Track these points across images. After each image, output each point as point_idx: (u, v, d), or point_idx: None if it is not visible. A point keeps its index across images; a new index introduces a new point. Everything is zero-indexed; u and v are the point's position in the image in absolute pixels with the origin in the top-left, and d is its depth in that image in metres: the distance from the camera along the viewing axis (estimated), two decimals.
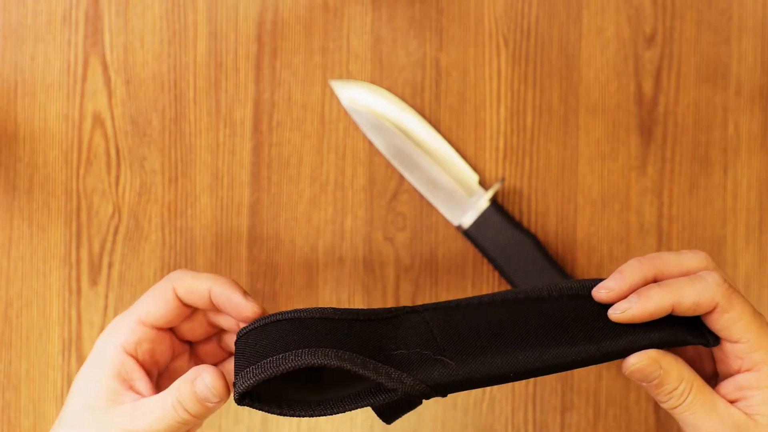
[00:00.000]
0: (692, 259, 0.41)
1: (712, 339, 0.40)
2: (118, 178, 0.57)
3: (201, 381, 0.39)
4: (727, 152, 0.59)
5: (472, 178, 0.57)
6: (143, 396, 0.40)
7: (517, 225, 0.56)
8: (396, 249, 0.58)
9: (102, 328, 0.57)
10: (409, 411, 0.39)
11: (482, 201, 0.56)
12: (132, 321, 0.41)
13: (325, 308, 0.39)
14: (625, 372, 0.39)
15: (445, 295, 0.58)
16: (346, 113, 0.58)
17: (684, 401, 0.39)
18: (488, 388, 0.57)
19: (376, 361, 0.37)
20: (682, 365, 0.39)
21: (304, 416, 0.38)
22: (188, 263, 0.57)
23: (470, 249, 0.58)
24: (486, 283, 0.58)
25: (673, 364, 0.39)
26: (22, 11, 0.57)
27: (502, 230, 0.56)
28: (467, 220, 0.56)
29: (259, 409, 0.37)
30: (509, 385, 0.57)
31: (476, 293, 0.58)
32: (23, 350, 0.57)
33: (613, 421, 0.58)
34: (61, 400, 0.57)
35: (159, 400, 0.39)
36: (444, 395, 0.38)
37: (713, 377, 0.42)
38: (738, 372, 0.39)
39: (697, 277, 0.39)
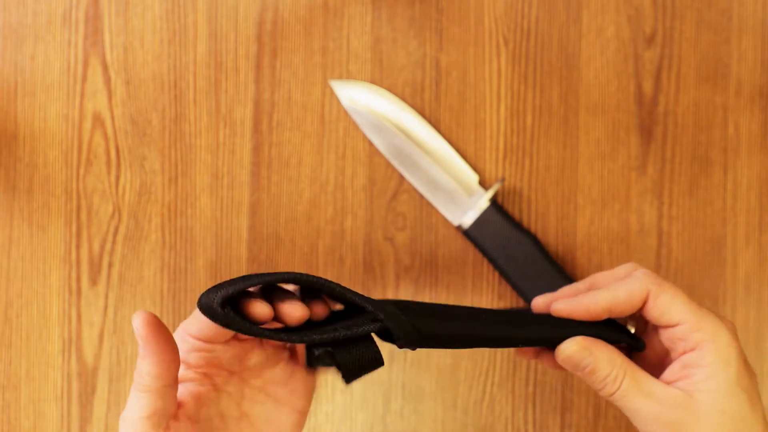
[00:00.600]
0: (623, 269, 0.43)
1: (641, 344, 0.43)
2: (118, 178, 0.57)
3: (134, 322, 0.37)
4: (727, 152, 0.59)
5: (472, 178, 0.57)
6: None
7: (517, 225, 0.56)
8: (396, 249, 0.58)
9: (102, 328, 0.57)
10: (372, 370, 0.38)
11: (482, 201, 0.56)
12: (182, 330, 0.39)
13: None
14: (558, 359, 0.41)
15: (445, 295, 0.58)
16: (346, 113, 0.58)
17: (619, 387, 0.40)
18: (488, 389, 0.57)
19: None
20: (612, 351, 0.40)
21: (271, 338, 0.36)
22: (188, 263, 0.57)
23: (470, 249, 0.58)
24: (486, 283, 0.58)
25: (604, 350, 0.40)
26: (22, 11, 0.57)
27: (502, 230, 0.56)
28: (467, 220, 0.56)
29: (236, 326, 0.35)
30: (509, 385, 0.57)
31: (476, 293, 0.58)
32: (23, 350, 0.57)
33: (612, 421, 0.58)
34: (61, 400, 0.57)
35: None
36: (413, 346, 0.38)
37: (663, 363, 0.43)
38: (683, 354, 0.40)
39: (628, 276, 0.42)
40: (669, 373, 0.41)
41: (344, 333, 0.37)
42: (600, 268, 0.58)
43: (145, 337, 0.36)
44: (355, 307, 0.38)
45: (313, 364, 0.38)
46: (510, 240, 0.56)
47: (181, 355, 0.39)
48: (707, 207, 0.59)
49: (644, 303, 0.41)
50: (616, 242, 0.58)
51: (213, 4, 0.58)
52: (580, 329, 0.41)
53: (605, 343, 0.41)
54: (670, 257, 0.58)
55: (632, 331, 0.44)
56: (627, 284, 0.41)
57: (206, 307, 0.35)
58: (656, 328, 0.42)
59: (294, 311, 0.37)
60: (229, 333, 0.39)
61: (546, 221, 0.58)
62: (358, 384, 0.57)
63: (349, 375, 0.38)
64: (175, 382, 0.37)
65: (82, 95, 0.58)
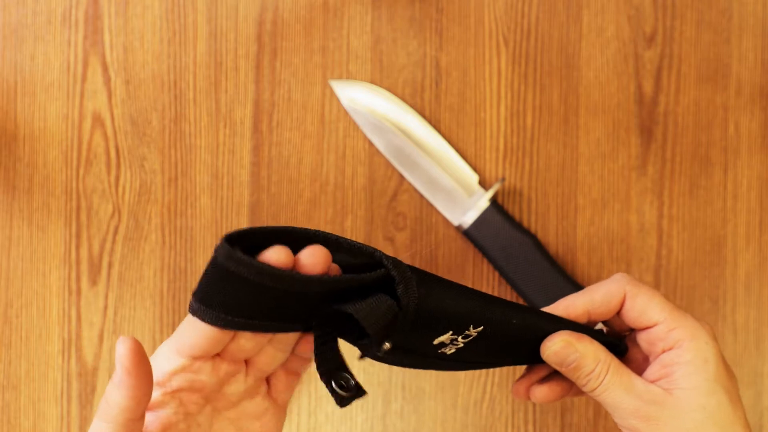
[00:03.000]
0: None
1: (623, 346, 0.43)
2: (117, 178, 0.57)
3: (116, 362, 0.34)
4: (727, 152, 0.59)
5: (472, 178, 0.57)
6: None
7: (517, 225, 0.56)
8: (396, 249, 0.58)
9: (102, 328, 0.57)
10: (389, 320, 0.36)
11: (482, 201, 0.56)
12: (168, 349, 0.37)
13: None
14: (543, 356, 0.41)
15: None
16: (346, 113, 0.58)
17: (602, 382, 0.40)
18: (488, 389, 0.57)
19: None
20: (597, 347, 0.41)
21: (295, 281, 0.33)
22: (188, 263, 0.57)
23: (470, 249, 0.58)
24: (486, 283, 0.58)
25: (589, 346, 0.40)
26: (22, 11, 0.57)
27: (502, 230, 0.56)
28: (467, 220, 0.56)
29: (245, 263, 0.33)
30: (509, 385, 0.57)
31: None
32: (23, 350, 0.57)
33: (613, 421, 0.58)
34: (60, 400, 0.57)
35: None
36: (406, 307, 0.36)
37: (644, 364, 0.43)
38: (662, 353, 0.41)
39: (606, 279, 0.42)
40: (649, 373, 0.41)
41: (353, 277, 0.35)
42: (600, 268, 0.58)
43: (127, 367, 0.33)
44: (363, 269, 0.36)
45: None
46: (510, 240, 0.56)
47: (162, 377, 0.36)
48: (707, 207, 0.58)
49: (621, 305, 0.41)
50: (616, 242, 0.58)
51: (213, 4, 0.58)
52: (567, 327, 0.41)
53: (590, 338, 0.41)
54: (670, 257, 0.58)
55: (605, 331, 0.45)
56: (603, 286, 0.41)
57: (226, 255, 0.32)
58: (633, 334, 0.43)
59: (318, 254, 0.34)
60: (225, 339, 0.36)
61: (546, 221, 0.58)
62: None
63: (371, 326, 0.35)
64: (142, 416, 0.35)
65: (82, 95, 0.58)
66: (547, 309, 0.42)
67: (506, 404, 0.57)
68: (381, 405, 0.57)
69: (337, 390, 0.38)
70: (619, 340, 0.43)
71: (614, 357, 0.41)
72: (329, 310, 0.36)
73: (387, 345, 0.37)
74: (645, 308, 0.40)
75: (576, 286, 0.56)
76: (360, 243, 0.36)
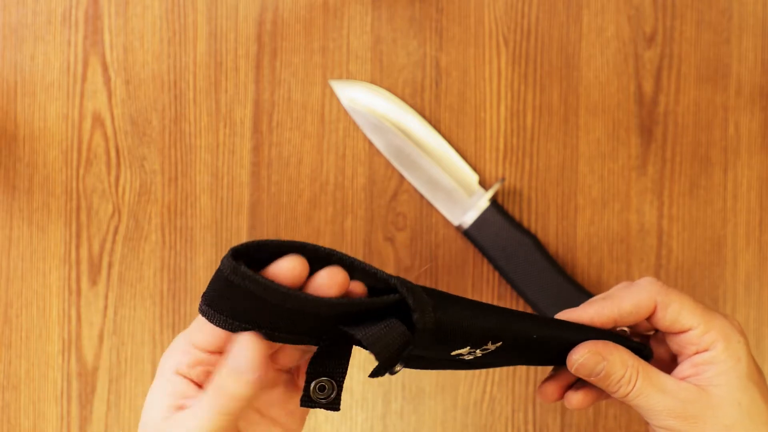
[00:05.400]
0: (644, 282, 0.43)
1: (648, 351, 0.42)
2: (117, 178, 0.57)
3: (235, 352, 0.34)
4: (727, 152, 0.59)
5: (472, 178, 0.57)
6: None
7: (517, 225, 0.56)
8: (396, 249, 0.58)
9: (102, 328, 0.57)
10: (400, 347, 0.35)
11: (482, 201, 0.56)
12: (185, 342, 0.38)
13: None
14: (571, 369, 0.40)
15: None
16: (346, 113, 0.58)
17: (634, 387, 0.40)
18: (488, 389, 0.57)
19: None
20: (623, 352, 0.40)
21: (299, 300, 0.33)
22: (188, 263, 0.57)
23: (470, 249, 0.58)
24: (486, 283, 0.58)
25: (615, 352, 0.40)
26: (22, 11, 0.57)
27: (502, 230, 0.56)
28: (467, 220, 0.56)
29: (250, 278, 0.32)
30: (509, 385, 0.57)
31: (476, 293, 0.58)
32: (23, 350, 0.57)
33: (613, 421, 0.58)
34: (60, 400, 0.57)
35: (196, 400, 0.36)
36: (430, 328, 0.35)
37: (671, 363, 0.43)
38: (695, 355, 0.41)
39: (632, 285, 0.41)
40: (678, 371, 0.41)
41: (366, 301, 0.34)
42: (600, 268, 0.58)
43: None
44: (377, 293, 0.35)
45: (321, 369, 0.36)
46: (510, 240, 0.56)
47: (184, 370, 0.37)
48: (707, 207, 0.58)
49: (651, 313, 0.41)
50: (616, 242, 0.58)
51: (213, 4, 0.58)
52: (589, 334, 0.41)
53: (615, 344, 0.41)
54: (670, 257, 0.58)
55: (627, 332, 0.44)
56: (633, 295, 0.41)
57: (230, 267, 0.32)
58: (660, 334, 0.43)
59: (336, 277, 0.33)
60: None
61: (546, 221, 0.58)
62: (358, 384, 0.57)
63: (379, 353, 0.34)
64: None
65: (82, 95, 0.58)
66: (572, 316, 0.41)
67: (506, 404, 0.57)
68: (381, 405, 0.57)
69: (315, 390, 0.36)
70: (643, 345, 0.43)
71: (641, 359, 0.41)
72: (340, 331, 0.35)
73: (398, 367, 0.36)
74: (677, 316, 0.40)
75: (576, 286, 0.56)
76: (375, 268, 0.35)
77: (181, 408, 0.37)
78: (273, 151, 0.58)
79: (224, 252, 0.57)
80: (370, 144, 0.58)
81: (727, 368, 0.40)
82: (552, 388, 0.43)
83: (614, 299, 0.41)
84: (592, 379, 0.40)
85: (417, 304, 0.34)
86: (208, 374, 0.37)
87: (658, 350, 0.43)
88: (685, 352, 0.41)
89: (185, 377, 0.37)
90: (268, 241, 0.33)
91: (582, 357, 0.40)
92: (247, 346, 0.34)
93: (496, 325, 0.38)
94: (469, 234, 0.56)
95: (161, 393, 0.38)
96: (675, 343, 0.41)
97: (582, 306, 0.41)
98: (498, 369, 0.57)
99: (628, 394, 0.40)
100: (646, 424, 0.42)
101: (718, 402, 0.39)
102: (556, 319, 0.41)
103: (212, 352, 0.37)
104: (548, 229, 0.58)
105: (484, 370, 0.57)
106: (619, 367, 0.40)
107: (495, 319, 0.38)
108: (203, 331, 0.36)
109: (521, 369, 0.58)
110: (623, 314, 0.41)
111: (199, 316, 0.36)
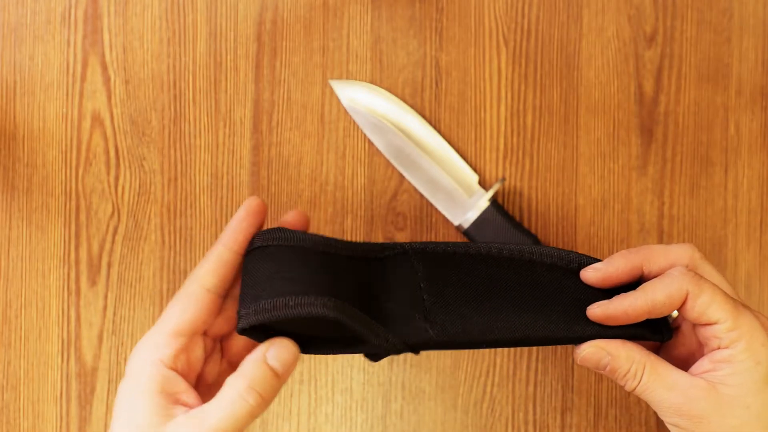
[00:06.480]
0: (679, 249, 0.43)
1: (667, 334, 0.43)
2: (117, 178, 0.57)
3: (272, 353, 0.39)
4: (727, 152, 0.59)
5: (472, 178, 0.57)
6: (193, 406, 0.39)
7: (517, 225, 0.56)
8: None
9: (101, 329, 0.57)
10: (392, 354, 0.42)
11: (482, 201, 0.56)
12: (165, 335, 0.40)
13: (325, 240, 0.43)
14: (577, 361, 0.42)
15: None
16: (346, 113, 0.58)
17: (640, 381, 0.40)
18: (489, 389, 0.57)
19: (370, 318, 0.40)
20: (630, 347, 0.41)
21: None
22: (188, 263, 0.57)
23: None
24: None
25: (620, 348, 0.41)
26: (21, 11, 0.57)
27: (502, 230, 0.56)
28: (467, 220, 0.56)
29: (255, 339, 0.40)
30: (510, 385, 0.57)
31: None
32: (22, 350, 0.57)
33: (613, 422, 0.58)
34: (60, 400, 0.57)
35: (218, 401, 0.38)
36: (417, 353, 0.42)
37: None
38: (716, 350, 0.41)
39: (664, 275, 0.41)
40: (696, 367, 0.41)
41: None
42: None
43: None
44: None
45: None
46: (510, 240, 0.56)
47: (171, 363, 0.40)
48: (708, 207, 0.58)
49: (683, 303, 0.41)
50: (616, 242, 0.58)
51: (213, 3, 0.57)
52: (601, 330, 0.42)
53: (622, 341, 0.41)
54: None
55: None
56: (665, 286, 0.41)
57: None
58: (689, 322, 0.43)
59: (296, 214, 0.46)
60: (210, 317, 0.42)
61: (546, 221, 0.58)
62: (358, 385, 0.57)
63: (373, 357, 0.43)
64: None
65: (81, 95, 0.57)
66: (608, 310, 0.41)
67: (506, 404, 0.57)
68: (381, 405, 0.57)
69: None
70: (663, 321, 0.43)
71: (651, 355, 0.41)
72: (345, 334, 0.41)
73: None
74: (706, 308, 0.40)
75: None
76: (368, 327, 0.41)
77: (178, 402, 0.38)
78: (273, 151, 0.58)
79: None
80: (370, 144, 0.58)
81: (743, 369, 0.39)
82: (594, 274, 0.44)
83: (646, 292, 0.41)
84: (603, 372, 0.41)
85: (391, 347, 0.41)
86: (189, 362, 0.41)
87: (687, 336, 0.43)
88: (709, 344, 0.41)
89: (173, 369, 0.40)
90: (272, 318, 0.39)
91: (585, 350, 0.41)
92: (286, 347, 0.40)
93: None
94: (469, 234, 0.56)
95: (147, 392, 0.39)
96: (702, 335, 0.41)
97: (616, 298, 0.41)
98: (498, 369, 0.57)
99: (635, 388, 0.41)
100: (655, 422, 0.42)
101: (727, 402, 0.39)
102: (565, 323, 0.42)
103: (194, 334, 0.41)
104: (548, 229, 0.58)
105: (484, 371, 0.57)
106: (624, 362, 0.41)
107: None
108: (188, 311, 0.41)
109: (521, 370, 0.57)
110: (657, 305, 0.41)
111: (170, 306, 0.41)
